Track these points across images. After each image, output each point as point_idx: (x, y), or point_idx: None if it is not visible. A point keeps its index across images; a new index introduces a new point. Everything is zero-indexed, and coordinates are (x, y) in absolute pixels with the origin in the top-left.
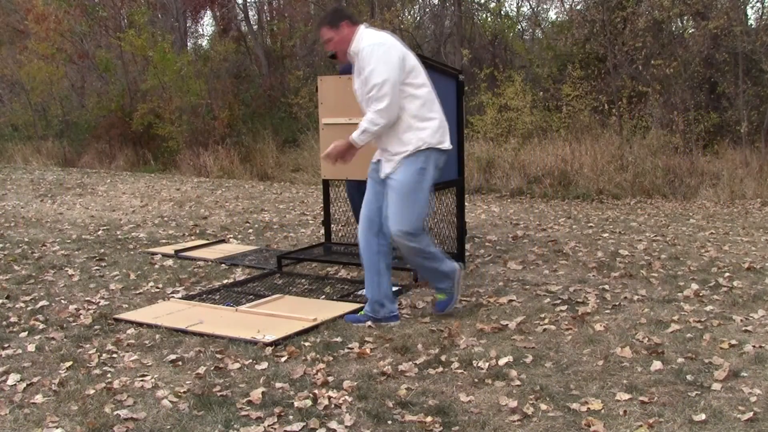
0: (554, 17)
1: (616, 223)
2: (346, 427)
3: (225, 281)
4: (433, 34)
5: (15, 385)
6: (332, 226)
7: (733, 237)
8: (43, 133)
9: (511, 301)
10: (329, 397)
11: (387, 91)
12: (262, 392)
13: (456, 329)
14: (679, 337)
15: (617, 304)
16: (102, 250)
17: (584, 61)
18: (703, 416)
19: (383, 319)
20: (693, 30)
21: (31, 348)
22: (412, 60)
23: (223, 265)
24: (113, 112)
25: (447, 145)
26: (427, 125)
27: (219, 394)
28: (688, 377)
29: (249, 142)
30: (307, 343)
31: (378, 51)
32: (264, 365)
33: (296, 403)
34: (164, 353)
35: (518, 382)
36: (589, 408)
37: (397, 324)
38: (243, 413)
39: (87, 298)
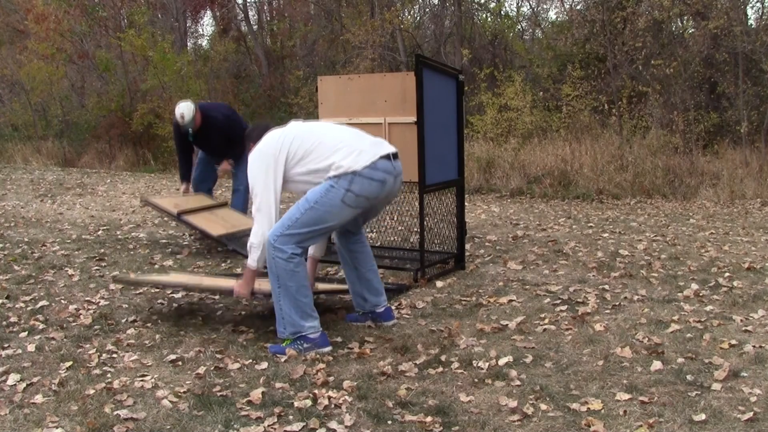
0: (554, 17)
1: (616, 223)
2: (346, 427)
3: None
4: (433, 34)
5: (15, 385)
6: None
7: (733, 237)
8: (43, 133)
9: (511, 301)
10: (329, 397)
11: (259, 193)
12: (262, 392)
13: (456, 329)
14: (679, 337)
15: (617, 304)
16: (102, 250)
17: (584, 61)
18: (703, 416)
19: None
20: (693, 30)
21: (31, 348)
22: (296, 141)
23: (223, 264)
24: (113, 112)
25: (360, 164)
26: (335, 165)
27: (219, 394)
28: (688, 377)
29: None
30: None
31: (251, 159)
32: (264, 365)
33: (296, 403)
34: (164, 353)
35: (518, 382)
36: (589, 408)
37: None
38: (243, 413)
39: (87, 298)
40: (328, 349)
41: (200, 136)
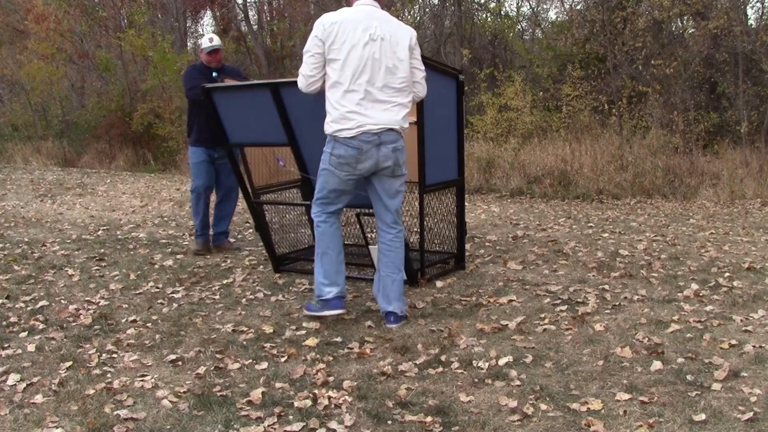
0: (554, 17)
1: (616, 223)
2: (346, 427)
3: (225, 281)
4: (433, 34)
5: (15, 385)
6: None
7: (733, 237)
8: (43, 133)
9: (511, 301)
10: (329, 397)
11: (304, 60)
12: (262, 392)
13: (456, 329)
14: (679, 337)
15: (617, 304)
16: (102, 250)
17: (584, 61)
18: (703, 416)
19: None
20: (693, 30)
21: (31, 348)
22: (339, 36)
23: (223, 264)
24: (113, 112)
25: (350, 134)
26: (329, 120)
27: (219, 394)
28: (688, 377)
29: None
30: (307, 343)
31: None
32: (264, 365)
33: (296, 403)
34: (164, 353)
35: (518, 382)
36: (589, 408)
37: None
38: (243, 413)
39: (87, 298)
40: (337, 312)
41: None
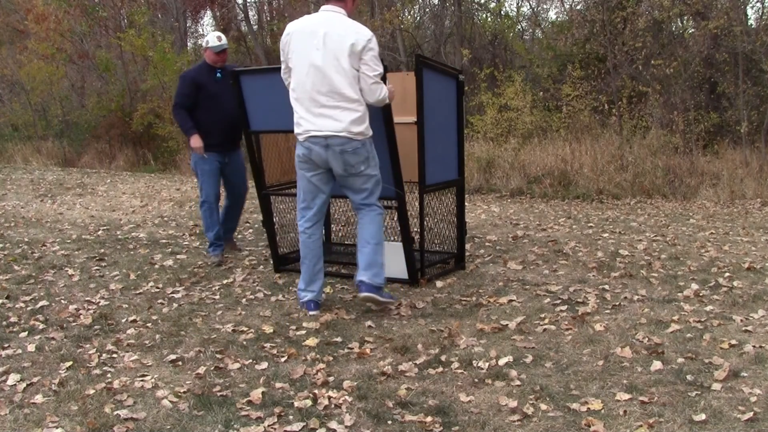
0: (554, 17)
1: (616, 223)
2: (346, 427)
3: (225, 281)
4: (433, 34)
5: (15, 385)
6: (332, 226)
7: (733, 237)
8: (43, 133)
9: (511, 301)
10: (329, 397)
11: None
12: (262, 392)
13: (456, 329)
14: (679, 337)
15: (617, 304)
16: (102, 250)
17: (584, 61)
18: (703, 416)
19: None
20: (693, 30)
21: (31, 348)
22: (291, 46)
23: (223, 264)
24: (113, 112)
25: (301, 138)
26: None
27: (219, 394)
28: (688, 377)
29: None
30: (307, 343)
31: None
32: (264, 365)
33: (296, 403)
34: (164, 353)
35: (518, 382)
36: (589, 408)
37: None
38: (243, 413)
39: (87, 298)
40: (312, 312)
41: (223, 82)
